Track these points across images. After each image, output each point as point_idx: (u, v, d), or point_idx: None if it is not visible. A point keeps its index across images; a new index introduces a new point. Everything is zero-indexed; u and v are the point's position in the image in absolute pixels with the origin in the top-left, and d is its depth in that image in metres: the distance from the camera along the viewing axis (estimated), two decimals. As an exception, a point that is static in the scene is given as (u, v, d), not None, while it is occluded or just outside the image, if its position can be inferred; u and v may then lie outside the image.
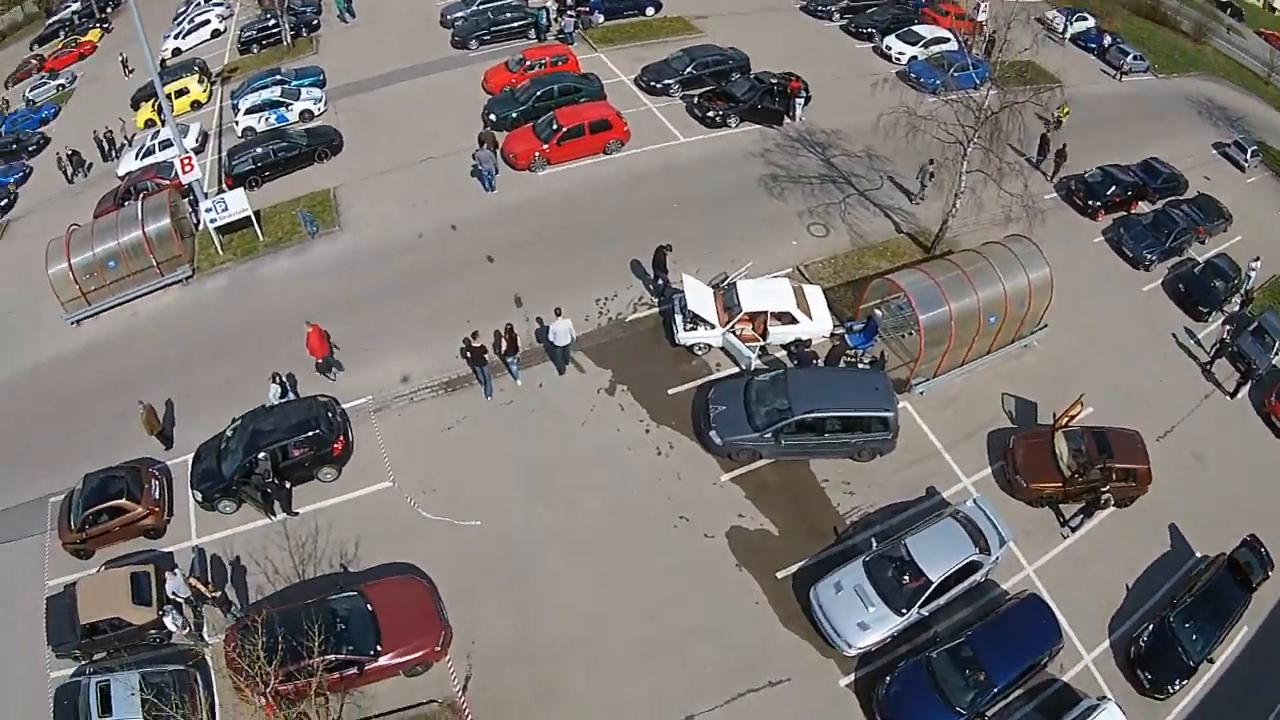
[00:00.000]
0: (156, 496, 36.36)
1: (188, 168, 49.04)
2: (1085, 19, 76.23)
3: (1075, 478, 35.75)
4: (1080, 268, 47.06)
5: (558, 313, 40.42)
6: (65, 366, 45.24)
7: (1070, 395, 38.80)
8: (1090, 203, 52.36)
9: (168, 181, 53.74)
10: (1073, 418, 37.78)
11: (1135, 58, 70.79)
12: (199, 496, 36.36)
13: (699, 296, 40.64)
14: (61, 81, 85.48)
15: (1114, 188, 52.20)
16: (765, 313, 40.34)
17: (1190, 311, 46.83)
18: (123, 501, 35.29)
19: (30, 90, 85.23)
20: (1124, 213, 52.48)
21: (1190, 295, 47.14)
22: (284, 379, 39.30)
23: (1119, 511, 36.73)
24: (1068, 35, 73.63)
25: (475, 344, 39.24)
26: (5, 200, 63.85)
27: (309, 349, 40.15)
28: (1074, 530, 36.22)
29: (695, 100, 58.67)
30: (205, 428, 38.98)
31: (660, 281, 44.20)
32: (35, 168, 68.62)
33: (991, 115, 42.74)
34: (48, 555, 36.23)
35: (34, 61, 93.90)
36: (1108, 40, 72.84)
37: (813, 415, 35.54)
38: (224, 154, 58.52)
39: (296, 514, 36.35)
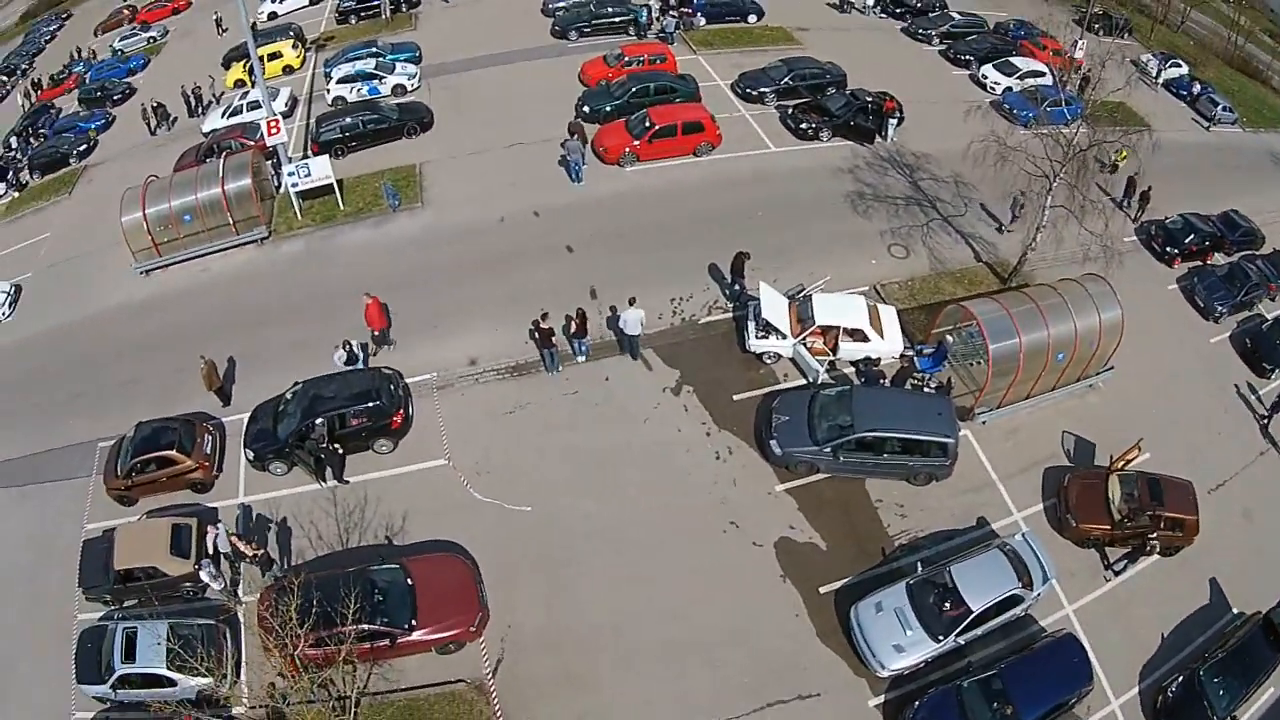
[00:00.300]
0: (208, 451, 37.85)
1: (273, 130, 50.64)
2: (1179, 65, 76.18)
3: (1124, 522, 36.20)
4: (1151, 313, 47.44)
5: (631, 302, 41.61)
6: (130, 315, 47.22)
7: (1129, 439, 38.92)
8: (1168, 249, 52.64)
9: (252, 142, 55.78)
10: (1129, 461, 38.23)
11: (1225, 109, 70.67)
12: (251, 455, 37.74)
13: (773, 305, 41.64)
14: (153, 34, 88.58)
15: (1192, 236, 52.42)
16: (838, 328, 41.29)
17: (1254, 367, 46.97)
18: (173, 453, 36.73)
19: (120, 40, 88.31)
20: (1200, 262, 52.72)
21: (1256, 351, 47.29)
22: (353, 346, 40.62)
23: (1162, 560, 37.05)
24: (1160, 80, 73.67)
25: (544, 325, 40.45)
26: (85, 145, 66.44)
27: (367, 320, 41.61)
28: (1117, 575, 36.69)
29: (789, 111, 59.76)
30: (264, 388, 40.42)
31: (737, 287, 45.18)
32: (119, 117, 71.26)
33: (1080, 152, 43.31)
34: (90, 499, 37.91)
35: (125, 12, 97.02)
36: (1197, 88, 72.82)
37: (874, 434, 36.41)
38: (312, 120, 60.40)
39: (347, 482, 37.71)
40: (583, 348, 42.26)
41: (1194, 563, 37.24)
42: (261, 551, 34.17)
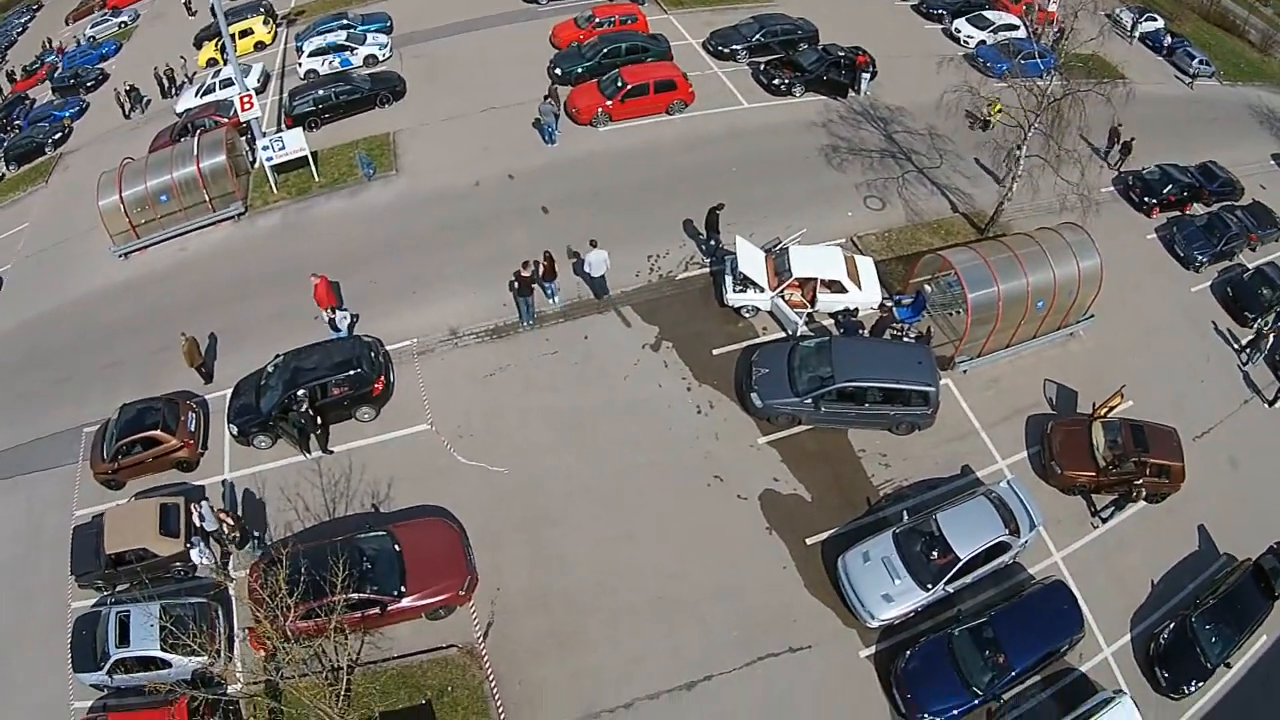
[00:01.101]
0: (192, 429, 37.45)
1: (247, 105, 50.18)
2: (1155, 19, 75.73)
3: (1109, 469, 36.10)
4: (1131, 262, 47.30)
5: (593, 244, 41.81)
6: (110, 299, 46.68)
7: (1111, 387, 39.07)
8: (1146, 199, 52.48)
9: (226, 119, 55.07)
10: (1112, 409, 38.14)
11: (1201, 62, 70.38)
12: (235, 430, 37.42)
13: (750, 259, 41.35)
14: (124, 19, 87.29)
15: (1170, 186, 52.26)
16: (815, 280, 40.98)
17: (1236, 316, 46.87)
18: (157, 433, 36.30)
19: (92, 27, 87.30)
20: (1178, 213, 52.69)
21: (1237, 300, 47.24)
22: (335, 313, 40.29)
23: (1149, 507, 36.99)
24: (1136, 34, 73.13)
25: (524, 273, 40.50)
26: (60, 134, 65.71)
27: (316, 300, 41.04)
28: (1104, 521, 36.62)
29: (762, 67, 59.37)
30: (246, 364, 40.07)
31: (712, 242, 44.87)
32: (92, 103, 70.44)
33: (1053, 102, 43.02)
34: (78, 486, 37.45)
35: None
36: (1169, 40, 72.66)
37: (855, 384, 36.16)
38: (285, 95, 59.88)
39: (331, 452, 37.42)
40: (551, 290, 42.25)
41: (1181, 509, 37.36)
42: (237, 524, 33.94)
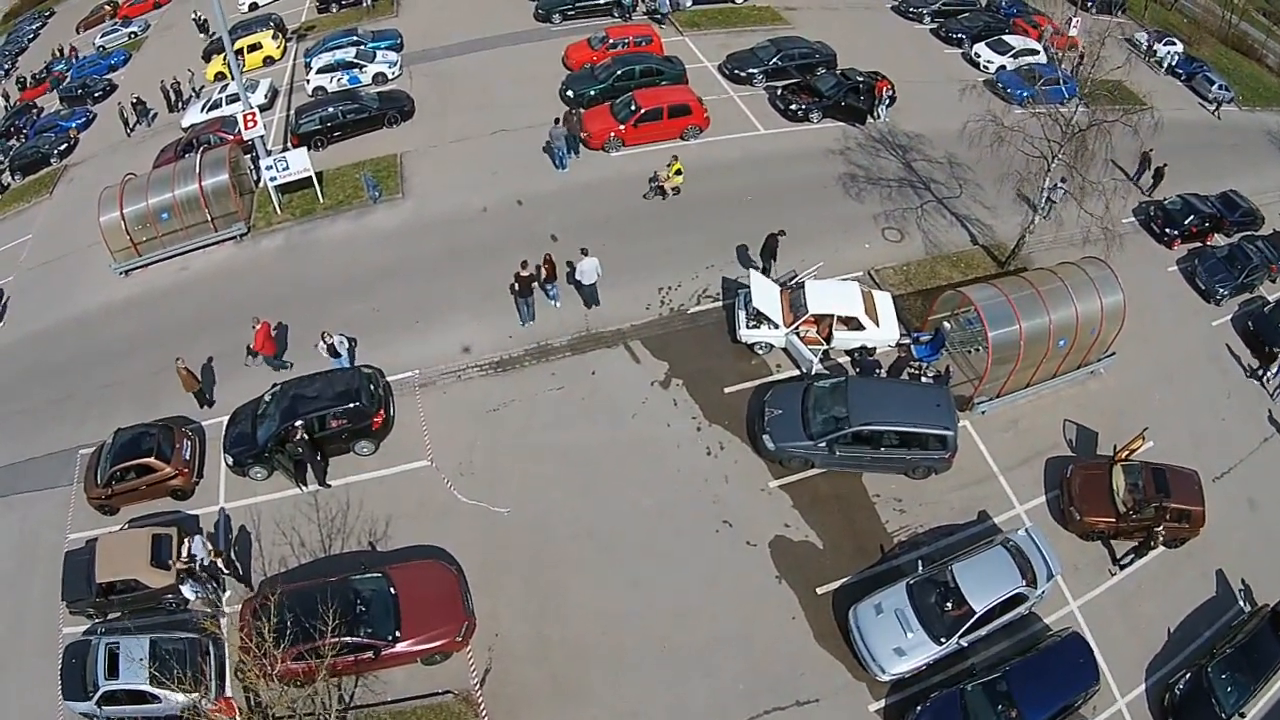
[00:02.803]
0: (187, 457, 36.62)
1: (250, 123, 49.20)
2: (1174, 43, 74.70)
3: (1130, 514, 35.15)
4: (1152, 296, 46.44)
5: (584, 251, 41.47)
6: (110, 317, 45.95)
7: (1132, 426, 38.42)
8: (1168, 231, 51.57)
9: (231, 136, 54.32)
10: (1133, 452, 37.19)
11: (1221, 87, 69.33)
12: (230, 460, 36.53)
13: (764, 294, 40.21)
14: (134, 29, 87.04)
15: (1192, 217, 51.33)
16: (832, 316, 39.84)
17: (1256, 350, 45.82)
18: (151, 460, 35.47)
19: (101, 36, 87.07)
20: (1199, 243, 51.76)
21: (1258, 334, 46.21)
22: (334, 338, 39.19)
23: (1168, 551, 36.03)
24: (1163, 62, 71.98)
25: (524, 274, 40.42)
26: (66, 145, 65.12)
27: (256, 346, 40.09)
28: (1123, 568, 35.67)
29: (779, 92, 58.34)
30: (245, 389, 39.30)
31: (766, 269, 43.82)
32: (99, 114, 69.82)
33: (1079, 132, 41.77)
34: (72, 509, 36.67)
35: (107, 7, 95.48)
36: (1176, 60, 72.02)
37: (870, 427, 35.06)
38: (292, 112, 59.09)
39: (329, 486, 36.46)
40: (553, 293, 42.30)
41: (1200, 553, 36.44)
42: (230, 567, 33.38)
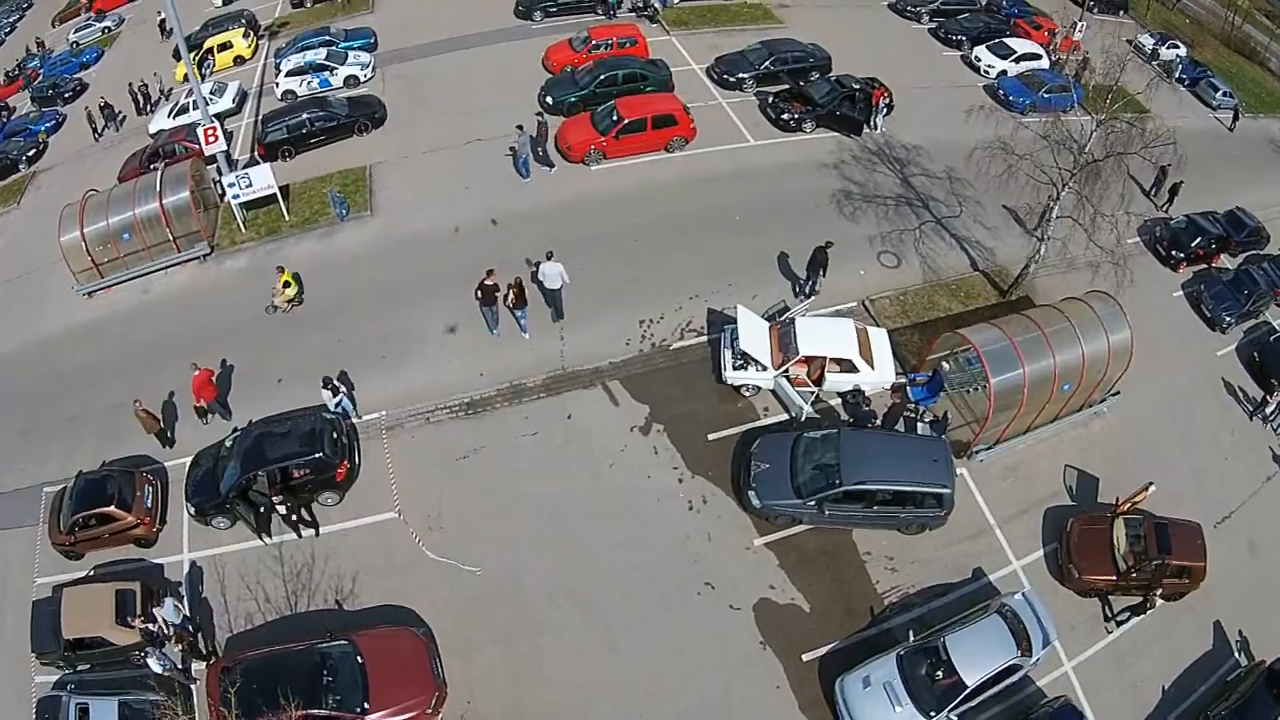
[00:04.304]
0: (149, 505, 35.38)
1: (211, 139, 47.54)
2: (1176, 46, 73.35)
3: (1130, 573, 34.01)
4: (1157, 325, 44.79)
5: (549, 255, 40.71)
6: (73, 341, 44.56)
7: (1135, 468, 37.67)
8: (1174, 253, 50.10)
9: (195, 146, 52.04)
10: (1136, 504, 35.84)
11: (1225, 94, 67.72)
12: (192, 510, 35.37)
13: (752, 332, 38.43)
14: (108, 24, 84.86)
15: (1199, 239, 49.90)
16: (824, 358, 38.00)
17: (1262, 382, 44.46)
18: (112, 509, 34.34)
19: (75, 32, 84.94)
20: (1204, 265, 50.47)
21: (1263, 365, 44.91)
22: (335, 383, 37.71)
23: (1165, 604, 34.79)
24: (1174, 72, 69.86)
25: (487, 282, 39.82)
26: (34, 149, 63.31)
27: (194, 392, 38.34)
28: (1119, 625, 34.59)
29: (770, 100, 56.34)
30: (207, 427, 38.50)
31: (810, 283, 42.97)
32: (69, 115, 68.06)
33: (1091, 163, 40.04)
34: (39, 549, 35.55)
35: (83, 0, 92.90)
36: (1180, 66, 70.38)
37: (864, 486, 33.39)
38: (261, 117, 57.38)
39: (317, 533, 35.34)
40: (524, 321, 41.29)
41: (1197, 603, 35.49)
42: (190, 641, 32.13)
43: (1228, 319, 46.51)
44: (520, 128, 50.01)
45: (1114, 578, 34.15)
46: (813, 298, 42.89)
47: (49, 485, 37.10)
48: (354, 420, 38.04)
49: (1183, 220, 51.11)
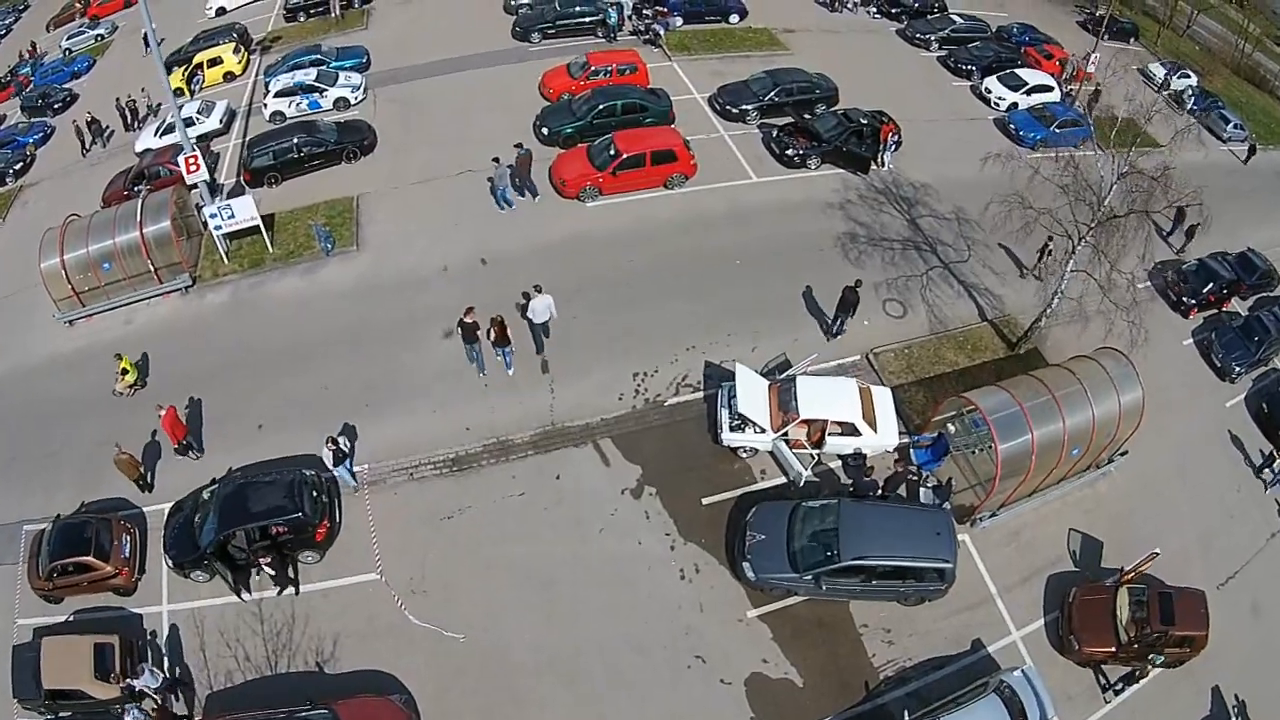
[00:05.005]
0: (126, 555, 35.06)
1: (192, 167, 46.96)
2: (1188, 75, 72.86)
3: (1132, 644, 33.51)
4: (1166, 376, 43.85)
5: (537, 289, 40.75)
6: (55, 372, 44.21)
7: (1140, 531, 37.52)
8: (1184, 300, 49.42)
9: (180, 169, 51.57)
10: (1141, 572, 35.44)
11: (1236, 126, 67.13)
12: (169, 563, 34.95)
13: (750, 393, 37.65)
14: (101, 31, 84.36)
15: (1211, 284, 49.19)
16: (825, 420, 37.23)
17: (1269, 434, 43.79)
18: (90, 559, 34.08)
19: (67, 39, 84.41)
20: (1215, 310, 49.79)
21: (1271, 415, 44.33)
22: (340, 442, 36.80)
23: (1163, 671, 34.41)
24: (1187, 104, 69.21)
25: (468, 320, 39.40)
26: (22, 162, 62.70)
27: (168, 433, 38.03)
28: (1117, 694, 34.11)
29: (775, 133, 55.50)
30: (183, 471, 37.97)
31: (839, 324, 42.92)
32: (57, 128, 67.36)
33: (1112, 219, 39.15)
34: (19, 589, 35.21)
35: (78, 4, 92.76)
36: (1193, 97, 69.67)
37: (863, 561, 32.70)
38: (251, 137, 56.97)
39: (297, 591, 34.75)
40: (508, 358, 41.15)
41: (1197, 668, 34.84)
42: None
43: (1237, 369, 45.85)
44: (496, 160, 49.51)
45: (1114, 649, 33.71)
46: (838, 335, 43.08)
47: (29, 524, 36.84)
48: (351, 487, 37.37)
49: (1194, 264, 50.50)
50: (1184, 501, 40.19)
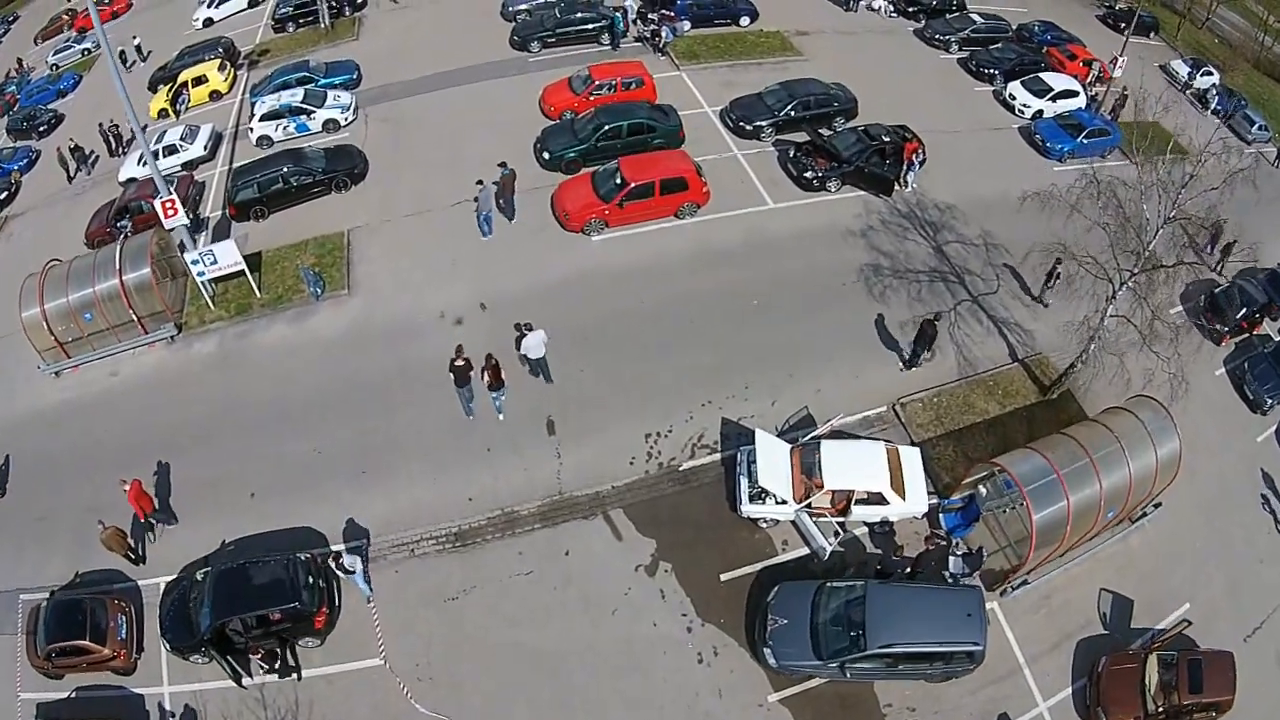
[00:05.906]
0: (123, 636, 34.82)
1: (169, 212, 46.07)
2: (1211, 73, 72.01)
3: (1159, 713, 33.16)
4: (1198, 413, 42.50)
5: (529, 326, 41.23)
6: (43, 425, 43.85)
7: (1169, 584, 37.46)
8: (1218, 326, 48.26)
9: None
10: (1171, 640, 35.00)
11: (1260, 127, 66.18)
12: (167, 645, 34.62)
13: (772, 461, 36.42)
14: (88, 45, 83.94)
15: (1244, 310, 48.04)
16: (851, 491, 36.20)
17: None
18: (86, 642, 33.93)
19: (54, 54, 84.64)
20: (1247, 334, 48.75)
21: None
22: (343, 563, 35.57)
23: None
24: (1210, 104, 68.65)
25: (458, 362, 39.38)
26: (6, 191, 62.59)
27: (130, 501, 37.22)
28: None
29: (792, 153, 54.20)
30: (178, 543, 37.95)
31: (915, 357, 42.97)
32: (43, 152, 67.30)
33: (1155, 268, 37.95)
34: (20, 661, 34.92)
35: (65, 17, 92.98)
36: (1217, 96, 69.09)
37: (891, 649, 31.85)
38: (232, 167, 56.47)
39: (299, 678, 34.28)
40: (499, 403, 40.97)
41: None
42: None
43: (1270, 401, 44.92)
44: (480, 182, 48.88)
45: (1141, 717, 33.39)
46: (914, 368, 43.03)
47: (25, 592, 36.80)
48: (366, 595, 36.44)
49: (1223, 288, 49.60)
50: (1214, 549, 39.41)
